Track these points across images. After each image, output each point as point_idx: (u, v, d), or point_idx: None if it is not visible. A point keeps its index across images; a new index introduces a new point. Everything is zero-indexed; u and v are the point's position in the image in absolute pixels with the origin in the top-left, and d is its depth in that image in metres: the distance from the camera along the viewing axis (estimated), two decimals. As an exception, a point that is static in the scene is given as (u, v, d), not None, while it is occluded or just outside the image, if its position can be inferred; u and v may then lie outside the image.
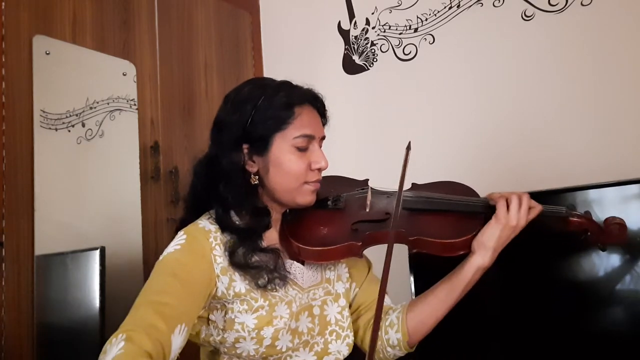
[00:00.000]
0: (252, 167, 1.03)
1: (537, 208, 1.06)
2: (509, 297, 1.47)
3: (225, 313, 0.98)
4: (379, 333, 1.11)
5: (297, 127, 1.01)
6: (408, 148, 1.04)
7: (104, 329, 1.57)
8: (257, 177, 1.03)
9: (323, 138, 1.08)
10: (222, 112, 1.06)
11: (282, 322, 0.99)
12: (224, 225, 1.01)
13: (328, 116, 1.10)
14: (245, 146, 1.02)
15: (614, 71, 1.67)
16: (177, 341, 0.88)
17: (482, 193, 1.16)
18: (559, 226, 1.10)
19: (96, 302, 1.57)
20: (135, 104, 1.80)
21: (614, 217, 1.10)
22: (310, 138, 1.02)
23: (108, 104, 1.73)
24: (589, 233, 1.10)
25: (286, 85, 1.05)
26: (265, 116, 1.00)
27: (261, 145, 1.01)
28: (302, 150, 1.02)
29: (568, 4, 1.76)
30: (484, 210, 1.07)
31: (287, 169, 1.01)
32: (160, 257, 0.96)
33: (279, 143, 1.01)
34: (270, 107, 1.00)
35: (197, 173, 1.06)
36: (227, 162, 1.01)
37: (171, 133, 1.92)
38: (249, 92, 1.03)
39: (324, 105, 1.08)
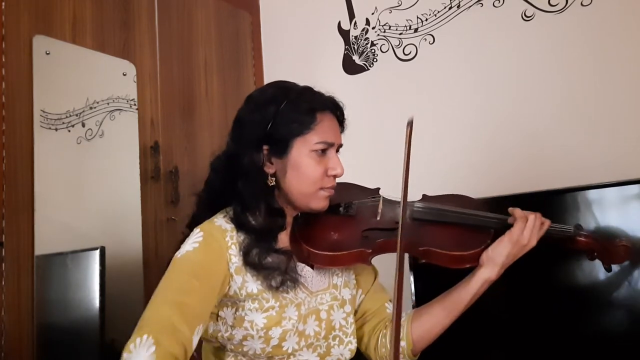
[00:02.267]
0: (270, 169, 1.04)
1: (546, 224, 1.08)
2: (512, 303, 1.46)
3: (236, 310, 0.99)
4: (383, 340, 1.12)
5: (318, 133, 1.02)
6: (410, 125, 0.98)
7: (104, 329, 1.57)
8: (274, 178, 1.04)
9: (340, 146, 1.08)
10: (245, 111, 1.06)
11: (290, 323, 1.00)
12: (241, 224, 1.01)
13: (346, 125, 1.11)
14: (265, 147, 1.03)
15: (614, 71, 1.67)
16: (195, 341, 0.90)
17: (483, 193, 1.16)
18: (566, 245, 1.12)
19: (96, 302, 1.57)
20: (135, 104, 1.80)
21: (620, 240, 1.13)
22: (329, 145, 1.04)
23: (108, 104, 1.72)
24: (595, 253, 1.13)
25: (309, 90, 1.06)
26: (287, 119, 1.01)
27: (281, 148, 1.02)
28: (320, 155, 1.03)
29: (568, 4, 1.76)
30: (494, 225, 1.09)
31: (305, 173, 1.02)
32: (178, 254, 0.97)
33: (299, 147, 1.01)
34: (293, 110, 1.01)
35: (215, 169, 1.07)
36: (247, 160, 1.01)
37: (171, 133, 1.92)
38: (273, 94, 1.04)
39: (343, 114, 1.09)
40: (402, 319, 1.12)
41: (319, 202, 1.05)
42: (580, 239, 1.11)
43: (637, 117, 1.63)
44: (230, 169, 1.04)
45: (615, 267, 1.25)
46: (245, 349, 0.99)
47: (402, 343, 1.09)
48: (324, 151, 1.03)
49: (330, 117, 1.05)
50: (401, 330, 1.10)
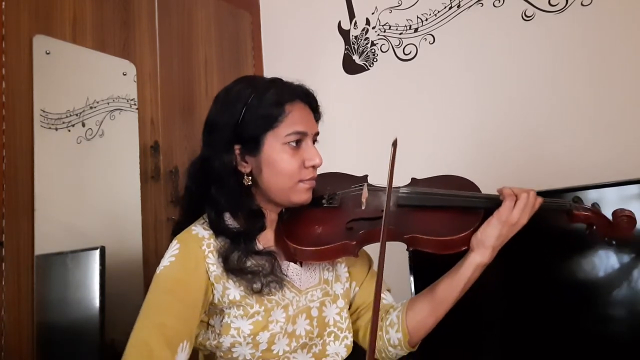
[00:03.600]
0: (244, 168, 1.01)
1: (538, 201, 1.02)
2: (510, 295, 1.46)
3: (222, 318, 0.98)
4: (380, 333, 1.11)
5: (288, 125, 0.99)
6: (394, 145, 0.99)
7: (104, 329, 1.57)
8: (250, 177, 1.02)
9: (317, 134, 1.06)
10: (213, 112, 1.04)
11: (278, 326, 0.98)
12: (218, 229, 0.99)
13: (321, 111, 1.08)
14: (237, 147, 1.00)
15: (614, 71, 1.67)
16: (181, 358, 0.90)
17: (483, 192, 1.15)
18: (563, 220, 1.07)
19: (96, 302, 1.57)
20: (135, 104, 1.80)
21: (622, 209, 1.06)
22: (302, 135, 1.01)
23: (108, 103, 1.72)
24: (594, 227, 1.06)
25: (276, 82, 1.03)
26: (255, 115, 0.98)
27: (253, 145, 0.99)
28: (295, 148, 1.00)
29: (568, 4, 1.76)
30: (483, 205, 1.04)
31: (280, 168, 0.99)
32: (157, 270, 0.96)
33: (270, 142, 0.99)
34: (260, 105, 0.98)
35: (191, 175, 1.05)
36: (219, 163, 0.99)
37: (171, 133, 1.91)
38: (239, 91, 1.01)
39: (316, 101, 1.06)
40: (398, 310, 1.10)
41: (300, 196, 1.02)
42: (578, 212, 1.05)
43: (637, 117, 1.63)
44: (204, 174, 1.01)
45: (619, 255, 1.22)
46: (234, 355, 0.98)
47: (399, 334, 1.07)
48: (298, 143, 1.00)
49: (301, 106, 1.02)
50: (396, 321, 1.08)
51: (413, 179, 1.16)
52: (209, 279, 0.96)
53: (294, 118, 1.00)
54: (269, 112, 0.98)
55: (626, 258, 1.30)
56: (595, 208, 1.09)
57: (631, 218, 1.05)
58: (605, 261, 1.33)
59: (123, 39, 1.80)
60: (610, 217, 1.07)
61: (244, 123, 0.99)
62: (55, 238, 1.53)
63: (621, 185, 1.34)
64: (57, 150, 1.57)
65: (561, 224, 1.06)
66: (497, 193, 1.04)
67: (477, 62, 1.91)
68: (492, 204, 1.02)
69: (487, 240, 1.00)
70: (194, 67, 2.06)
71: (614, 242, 1.11)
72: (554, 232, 1.24)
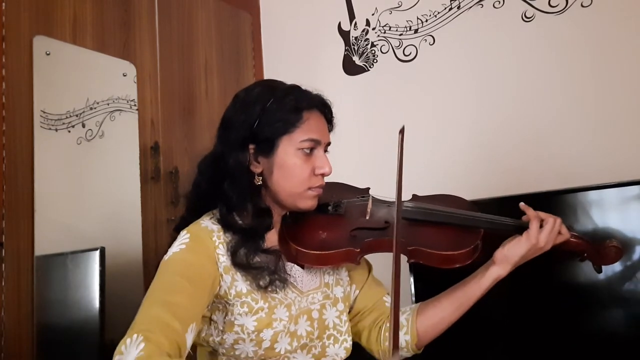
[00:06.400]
0: (256, 168, 1.03)
1: (565, 236, 1.08)
2: (514, 299, 1.47)
3: (226, 315, 0.99)
4: (387, 334, 1.12)
5: (304, 131, 1.01)
6: (402, 132, 1.01)
7: (103, 329, 1.57)
8: (260, 178, 1.04)
9: (328, 144, 1.08)
10: (231, 110, 1.06)
11: (281, 324, 0.99)
12: (227, 224, 1.01)
13: (334, 123, 1.11)
14: (251, 146, 1.03)
15: (614, 72, 1.67)
16: (189, 339, 0.89)
17: (483, 194, 1.16)
18: (556, 246, 1.12)
19: (96, 302, 1.57)
20: (135, 105, 1.80)
21: (611, 240, 1.13)
22: (316, 143, 1.03)
23: (108, 104, 1.72)
24: (585, 254, 1.12)
25: (296, 89, 1.06)
26: (273, 118, 1.01)
27: (267, 147, 1.02)
28: (307, 154, 1.03)
29: (568, 5, 1.76)
30: (484, 225, 1.09)
31: (291, 172, 1.02)
32: (166, 257, 0.96)
33: (285, 146, 1.01)
34: (279, 109, 1.01)
35: (202, 171, 1.07)
36: (232, 161, 1.01)
37: (171, 133, 1.92)
38: (259, 93, 1.04)
39: (331, 112, 1.09)
40: (407, 313, 1.12)
41: (307, 202, 1.05)
42: (571, 240, 1.10)
43: (637, 118, 1.63)
44: (216, 170, 1.03)
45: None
46: (237, 352, 0.99)
47: (407, 337, 1.10)
48: (311, 150, 1.03)
49: (317, 115, 1.05)
50: (405, 324, 1.10)
51: (414, 196, 1.20)
52: (218, 269, 0.98)
53: (310, 126, 1.02)
54: (287, 116, 1.01)
55: (627, 261, 1.30)
56: (585, 237, 1.14)
57: (618, 249, 1.12)
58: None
59: (123, 39, 1.80)
60: (599, 246, 1.13)
61: (261, 124, 1.01)
62: (55, 239, 1.53)
63: (621, 187, 1.34)
64: (57, 151, 1.57)
65: (555, 248, 1.09)
66: (505, 213, 1.10)
67: (477, 63, 1.92)
68: (493, 225, 1.09)
69: (512, 257, 1.05)
70: (194, 68, 2.06)
71: (600, 271, 1.17)
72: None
